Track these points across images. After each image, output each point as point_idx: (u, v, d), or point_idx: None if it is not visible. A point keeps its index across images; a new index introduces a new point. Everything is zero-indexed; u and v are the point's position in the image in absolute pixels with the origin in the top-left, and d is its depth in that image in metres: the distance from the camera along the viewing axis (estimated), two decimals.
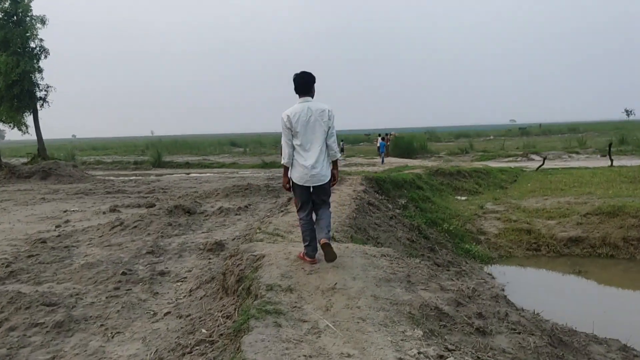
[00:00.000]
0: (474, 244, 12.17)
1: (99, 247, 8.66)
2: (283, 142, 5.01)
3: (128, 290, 6.37)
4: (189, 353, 3.93)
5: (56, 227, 11.05)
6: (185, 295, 6.15)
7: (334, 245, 5.18)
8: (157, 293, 6.27)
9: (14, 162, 28.78)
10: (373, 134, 44.80)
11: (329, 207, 5.24)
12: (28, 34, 26.17)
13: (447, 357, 3.30)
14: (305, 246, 4.99)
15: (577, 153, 36.54)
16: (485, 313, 4.29)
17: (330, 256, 4.80)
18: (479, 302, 4.51)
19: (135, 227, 9.65)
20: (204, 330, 4.31)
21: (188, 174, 31.09)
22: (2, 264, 7.61)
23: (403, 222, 11.59)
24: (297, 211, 5.22)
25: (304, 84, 4.96)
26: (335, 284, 4.30)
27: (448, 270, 10.03)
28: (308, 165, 4.88)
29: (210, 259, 7.70)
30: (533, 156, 35.53)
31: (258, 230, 6.86)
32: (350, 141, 66.93)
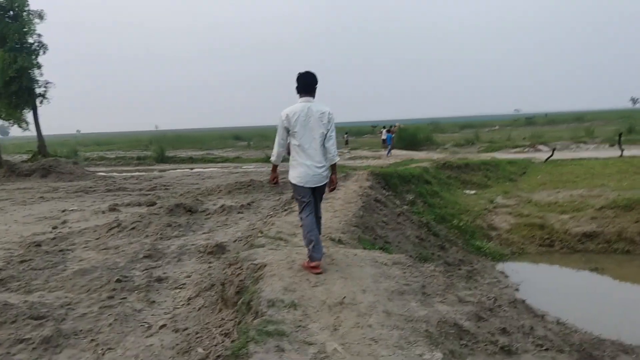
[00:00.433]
0: (485, 240, 11.77)
1: (95, 251, 8.29)
2: (276, 140, 4.98)
3: (123, 299, 5.99)
4: None
5: (53, 228, 10.69)
6: (183, 304, 5.78)
7: (341, 251, 4.83)
8: (154, 302, 5.90)
9: (15, 159, 28.50)
10: (379, 126, 44.27)
11: (321, 212, 5.21)
12: (25, 29, 25.72)
13: None
14: (309, 249, 4.80)
15: (585, 143, 35.91)
16: (509, 328, 3.90)
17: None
18: (501, 315, 4.11)
19: (133, 228, 9.28)
20: (200, 350, 3.94)
21: (191, 169, 30.71)
22: None
23: (411, 218, 11.19)
24: (300, 212, 5.08)
25: (307, 84, 4.95)
26: (344, 298, 3.91)
27: (459, 270, 9.65)
28: (311, 164, 4.85)
29: (210, 262, 7.31)
30: (540, 147, 34.93)
31: (259, 234, 6.47)
32: (355, 133, 66.40)
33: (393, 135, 35.31)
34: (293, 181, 4.96)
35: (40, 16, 26.20)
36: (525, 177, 18.95)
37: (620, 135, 26.04)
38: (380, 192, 12.08)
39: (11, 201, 15.22)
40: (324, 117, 4.86)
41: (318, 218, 5.09)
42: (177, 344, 4.41)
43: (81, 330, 5.05)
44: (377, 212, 10.36)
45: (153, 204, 13.23)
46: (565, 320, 5.46)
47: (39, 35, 27.04)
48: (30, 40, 26.56)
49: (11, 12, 25.89)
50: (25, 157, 30.68)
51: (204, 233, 9.31)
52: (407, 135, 39.60)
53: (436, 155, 27.99)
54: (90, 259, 7.73)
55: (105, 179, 21.20)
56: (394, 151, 33.53)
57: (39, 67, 26.88)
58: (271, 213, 10.41)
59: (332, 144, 4.93)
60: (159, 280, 6.60)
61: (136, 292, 6.21)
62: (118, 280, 6.47)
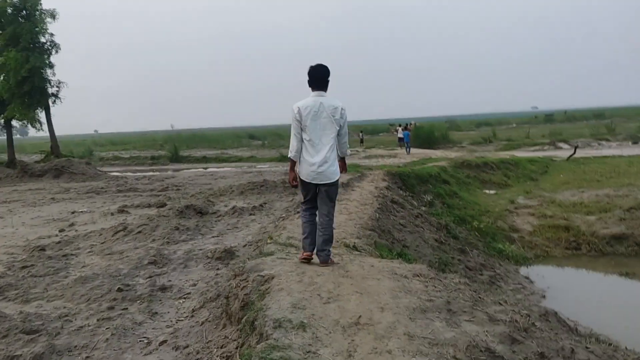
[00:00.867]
0: (507, 243, 11.26)
1: (99, 256, 7.95)
2: (292, 135, 4.89)
3: (123, 310, 5.61)
4: None
5: (60, 231, 10.39)
6: (187, 316, 5.38)
7: (356, 261, 4.41)
8: (156, 313, 5.51)
9: (28, 160, 28.49)
10: (395, 125, 43.67)
11: (333, 213, 5.02)
12: (37, 29, 25.57)
13: None
14: (302, 239, 4.96)
15: (607, 140, 35.08)
16: (547, 352, 3.42)
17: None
18: (537, 336, 3.64)
19: (139, 232, 8.92)
20: None
21: (205, 168, 30.48)
22: None
23: (430, 220, 10.72)
24: (301, 203, 5.14)
25: (319, 77, 4.83)
26: (359, 317, 3.47)
27: (481, 275, 9.16)
28: (315, 162, 4.76)
29: (218, 269, 6.92)
30: (561, 144, 34.20)
31: (269, 240, 6.04)
32: (370, 132, 65.83)
33: (407, 134, 34.79)
34: (300, 175, 4.88)
35: (53, 15, 26.05)
36: (547, 176, 18.36)
37: None
38: (397, 192, 11.63)
39: (22, 202, 15.01)
40: (336, 113, 4.74)
41: (325, 217, 4.90)
42: None
43: (75, 347, 4.67)
44: (393, 214, 9.91)
45: (163, 205, 12.90)
46: (603, 336, 4.96)
47: (52, 34, 26.95)
48: (43, 39, 26.46)
49: (24, 12, 25.79)
50: (38, 157, 30.62)
51: (213, 237, 8.92)
52: (423, 134, 38.98)
53: (453, 154, 27.40)
54: (93, 265, 7.38)
55: (117, 180, 20.98)
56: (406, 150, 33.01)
57: (51, 66, 26.75)
58: (283, 215, 10.00)
59: (344, 140, 4.88)
60: (163, 289, 6.21)
61: (138, 302, 5.83)
62: (119, 290, 6.09)
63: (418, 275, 4.21)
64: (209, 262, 7.26)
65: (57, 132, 28.35)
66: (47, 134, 28.56)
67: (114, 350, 4.60)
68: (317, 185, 4.86)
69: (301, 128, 4.77)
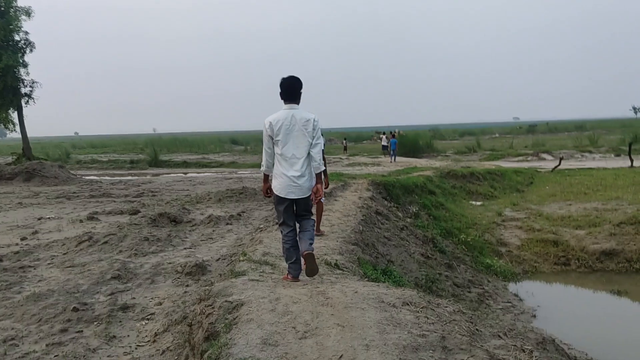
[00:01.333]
0: (495, 257, 10.84)
1: (59, 269, 7.31)
2: (263, 149, 4.78)
3: (78, 333, 5.03)
4: None
5: (21, 239, 9.71)
6: (148, 341, 4.82)
7: (337, 286, 3.89)
8: (114, 337, 4.93)
9: (0, 161, 27.49)
10: (381, 131, 43.25)
11: (311, 216, 4.91)
12: (12, 27, 24.66)
13: None
14: (288, 264, 4.77)
15: (590, 152, 35.09)
16: None
17: (311, 268, 4.53)
18: None
19: (105, 242, 8.29)
20: None
21: (185, 173, 29.78)
22: None
23: (415, 233, 10.25)
24: (279, 225, 4.90)
25: (291, 89, 4.70)
26: (341, 357, 2.95)
27: (469, 292, 8.71)
28: (291, 175, 4.60)
29: (187, 285, 6.35)
30: (544, 155, 34.12)
31: (242, 258, 5.49)
32: (353, 139, 65.56)
33: (395, 141, 34.58)
34: (275, 191, 4.73)
35: (28, 13, 25.20)
36: (533, 187, 18.06)
37: (630, 145, 25.15)
38: (382, 203, 11.14)
39: None
40: (308, 125, 4.61)
41: (305, 232, 4.76)
42: None
43: None
44: (378, 227, 9.42)
45: (136, 212, 12.25)
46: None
47: (26, 32, 26.07)
48: (17, 37, 25.53)
49: None
50: (10, 159, 29.61)
51: (185, 248, 8.32)
52: (408, 142, 38.69)
53: (438, 163, 27.09)
54: (50, 280, 6.75)
55: (91, 184, 20.20)
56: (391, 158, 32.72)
57: (25, 65, 25.85)
58: (261, 226, 9.46)
59: (317, 152, 4.65)
60: (125, 308, 5.62)
61: (95, 323, 5.24)
62: (75, 309, 5.48)
63: (408, 304, 3.70)
64: (178, 278, 6.68)
65: (38, 134, 27.58)
66: (32, 135, 27.51)
67: None
68: (292, 199, 4.71)
69: (273, 142, 4.66)
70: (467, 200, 15.21)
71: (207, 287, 4.48)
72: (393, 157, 30.74)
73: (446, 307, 3.90)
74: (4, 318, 5.48)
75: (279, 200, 4.73)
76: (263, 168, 4.80)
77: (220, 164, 35.10)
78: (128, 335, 5.00)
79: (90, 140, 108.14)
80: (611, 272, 10.38)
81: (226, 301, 3.78)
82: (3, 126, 26.91)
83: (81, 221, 11.63)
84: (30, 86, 26.32)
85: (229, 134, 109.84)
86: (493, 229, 12.17)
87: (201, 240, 8.99)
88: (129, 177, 26.68)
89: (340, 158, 35.63)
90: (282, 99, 4.73)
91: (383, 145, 36.92)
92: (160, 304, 5.82)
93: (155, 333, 4.95)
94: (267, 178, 4.85)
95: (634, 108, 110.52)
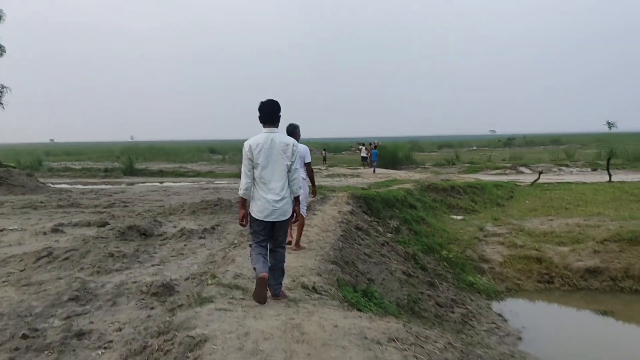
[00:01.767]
0: (477, 275, 10.51)
1: (14, 287, 6.73)
2: (242, 172, 4.82)
3: None
4: None
5: None
6: None
7: (315, 317, 3.46)
8: None
9: None
10: (366, 143, 42.90)
11: (284, 249, 4.90)
12: None
13: None
14: (255, 266, 4.64)
15: (567, 166, 35.28)
16: None
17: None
18: None
19: (66, 258, 7.72)
20: None
21: (161, 182, 29.09)
22: None
23: (396, 249, 9.87)
24: (251, 243, 4.85)
25: (270, 113, 4.78)
26: None
27: (452, 312, 8.33)
28: (271, 199, 4.66)
29: (152, 308, 5.83)
30: (522, 169, 34.20)
31: (211, 281, 5.02)
32: (332, 149, 65.34)
33: (376, 153, 34.44)
34: (252, 214, 4.75)
35: None
36: (513, 201, 17.86)
37: (609, 160, 25.24)
38: (362, 217, 10.76)
39: None
40: (287, 149, 4.70)
41: (278, 258, 4.79)
42: None
43: None
44: (358, 243, 9.02)
45: (104, 224, 11.65)
46: None
47: None
48: None
49: None
50: None
51: (153, 265, 7.79)
52: (387, 154, 38.45)
53: (417, 175, 26.87)
54: (2, 300, 6.17)
55: (60, 193, 19.41)
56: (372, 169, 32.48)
57: None
58: (235, 241, 8.99)
59: (295, 177, 4.77)
60: (80, 335, 5.10)
61: (45, 353, 4.71)
62: (24, 336, 4.95)
63: (394, 340, 3.28)
64: (142, 299, 6.16)
65: (12, 140, 26.73)
66: (8, 141, 26.53)
67: None
68: (271, 223, 4.72)
69: (253, 165, 4.70)
70: (447, 215, 14.92)
71: (168, 318, 3.98)
72: (374, 169, 30.52)
73: (436, 342, 3.50)
74: None
75: (257, 224, 4.72)
76: (241, 192, 4.78)
77: (198, 173, 34.42)
78: None
79: (66, 147, 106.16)
80: (596, 290, 10.13)
81: (188, 336, 3.34)
82: None
83: (45, 233, 10.98)
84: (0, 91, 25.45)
85: (208, 143, 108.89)
86: (475, 245, 11.86)
87: (171, 256, 8.47)
88: (102, 186, 25.89)
89: (320, 169, 35.24)
90: (261, 122, 4.79)
91: (362, 157, 36.70)
92: (120, 329, 5.30)
93: None
94: (244, 203, 4.83)
95: (609, 123, 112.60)
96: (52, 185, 23.65)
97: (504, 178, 27.42)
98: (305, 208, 7.79)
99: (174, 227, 11.34)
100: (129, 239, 9.92)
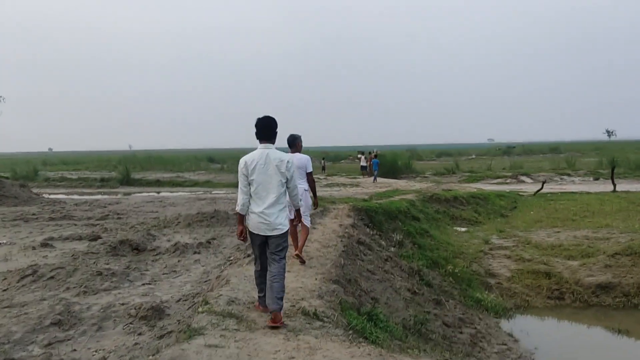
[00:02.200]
0: (485, 291, 10.06)
1: None
2: (239, 188, 4.89)
3: None
4: None
5: None
6: None
7: (318, 354, 3.04)
8: None
9: None
10: (366, 151, 42.26)
11: (284, 264, 4.86)
12: None
13: None
14: (259, 296, 4.97)
15: (569, 175, 34.89)
16: None
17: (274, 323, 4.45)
18: None
19: (51, 277, 7.29)
20: None
21: (158, 192, 28.64)
22: None
23: (400, 264, 9.44)
24: (254, 263, 5.09)
25: (266, 129, 4.87)
26: None
27: (461, 333, 7.89)
28: (261, 212, 4.74)
29: (140, 334, 5.41)
30: (523, 178, 33.82)
31: (202, 308, 4.59)
32: (331, 158, 64.96)
33: (370, 163, 34.17)
34: (249, 228, 4.84)
35: None
36: (517, 212, 17.45)
37: (613, 169, 24.87)
38: (364, 231, 10.33)
39: None
40: (282, 165, 4.77)
41: (273, 283, 4.67)
42: None
43: None
44: (360, 258, 8.60)
45: (96, 238, 11.24)
46: None
47: None
48: None
49: None
50: None
51: (144, 284, 7.37)
52: (386, 162, 38.03)
53: (417, 184, 26.48)
54: None
55: (53, 205, 18.95)
56: (372, 179, 32.10)
57: None
58: (231, 257, 8.56)
59: (294, 192, 4.93)
60: None
61: None
62: None
63: None
64: (130, 323, 5.74)
65: (10, 150, 26.22)
66: (3, 151, 26.15)
67: None
68: (265, 237, 4.77)
69: (248, 182, 4.77)
70: (451, 226, 14.49)
71: (151, 357, 3.54)
72: (375, 178, 30.07)
73: None
74: None
75: (252, 237, 4.85)
76: (238, 208, 4.82)
77: (195, 182, 33.96)
78: None
79: (63, 156, 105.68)
80: (608, 307, 9.68)
81: None
82: None
83: (34, 248, 10.56)
84: None
85: (207, 152, 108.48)
86: (481, 259, 11.44)
87: (163, 274, 8.04)
88: (98, 197, 25.43)
89: (319, 178, 34.81)
90: (257, 138, 4.87)
91: (362, 166, 36.31)
92: (106, 358, 4.88)
93: None
94: (242, 219, 4.87)
95: (608, 131, 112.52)
96: (46, 196, 23.21)
97: (506, 187, 27.03)
98: (309, 219, 7.58)
99: (168, 240, 10.94)
100: (120, 254, 9.53)
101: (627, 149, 65.18)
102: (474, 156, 75.83)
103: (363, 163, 36.18)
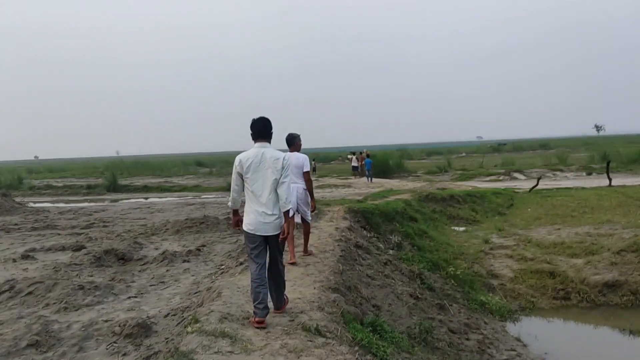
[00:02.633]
0: (488, 293, 9.66)
1: None
2: (231, 186, 4.89)
3: None
4: None
5: None
6: None
7: None
8: None
9: None
10: (357, 152, 41.58)
11: (282, 267, 4.93)
12: None
13: None
14: (254, 305, 4.61)
15: (561, 171, 34.70)
16: None
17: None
18: None
19: (30, 293, 6.78)
20: None
21: (146, 198, 28.04)
22: None
23: (400, 268, 9.02)
24: (249, 263, 4.89)
25: (261, 130, 4.85)
26: None
27: (467, 340, 7.48)
28: (261, 212, 4.69)
29: (125, 354, 4.94)
30: (516, 174, 33.57)
31: (191, 327, 4.12)
32: (322, 159, 64.58)
33: (362, 162, 33.87)
34: (245, 228, 4.78)
35: None
36: (514, 209, 17.11)
37: (608, 163, 24.64)
38: (361, 233, 9.90)
39: None
40: (277, 163, 4.72)
41: (276, 272, 4.87)
42: None
43: None
44: (359, 263, 8.17)
45: (80, 248, 10.70)
46: None
47: None
48: None
49: None
50: None
51: (130, 297, 6.88)
52: (377, 162, 37.68)
53: (411, 184, 26.11)
54: None
55: (36, 214, 18.33)
56: (363, 179, 31.77)
57: None
58: (223, 265, 8.10)
59: (284, 190, 4.73)
60: None
61: None
62: None
63: None
64: (114, 342, 5.26)
65: None
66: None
67: None
68: (263, 237, 4.73)
69: (243, 179, 4.76)
70: (448, 226, 14.10)
71: None
72: (370, 178, 29.67)
73: None
74: None
75: (250, 238, 4.74)
76: (230, 204, 4.91)
77: (184, 187, 33.36)
78: None
79: (49, 164, 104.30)
80: (616, 306, 9.31)
81: None
82: None
83: (14, 260, 10.01)
84: None
85: (195, 156, 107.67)
86: (482, 259, 11.05)
87: (150, 285, 7.56)
88: (84, 204, 24.78)
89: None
90: (252, 139, 4.84)
91: (353, 166, 35.95)
92: None
93: None
94: (236, 212, 4.95)
95: (597, 126, 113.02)
96: (30, 205, 22.55)
97: (500, 185, 26.74)
98: (309, 213, 7.43)
99: (156, 249, 10.46)
100: (105, 265, 9.05)
101: (615, 143, 65.38)
102: (464, 154, 75.75)
103: (354, 163, 35.82)
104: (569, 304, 9.54)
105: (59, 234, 13.38)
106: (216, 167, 56.81)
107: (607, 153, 37.93)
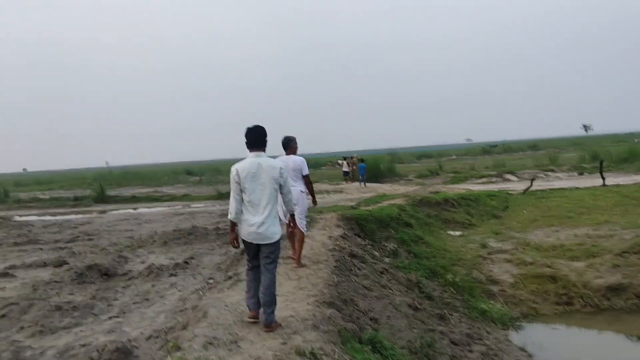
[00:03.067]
0: (489, 300, 9.30)
1: None
2: (231, 197, 4.86)
3: None
4: None
5: None
6: None
7: None
8: None
9: None
10: (347, 157, 41.19)
11: (274, 275, 4.88)
12: None
13: None
14: (247, 298, 4.92)
15: (553, 171, 34.51)
16: None
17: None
18: None
19: (3, 315, 6.34)
20: None
21: (134, 209, 27.49)
22: None
23: (397, 277, 8.64)
24: (247, 261, 5.07)
25: (256, 138, 4.87)
26: None
27: (470, 351, 7.09)
28: (254, 222, 4.74)
29: None
30: (508, 176, 33.34)
31: (171, 357, 3.71)
32: (312, 165, 64.22)
33: (353, 168, 33.62)
34: (241, 236, 4.85)
35: None
36: (510, 212, 16.78)
37: (601, 162, 24.46)
38: (355, 241, 9.52)
39: None
40: (275, 172, 4.78)
41: (266, 278, 4.81)
42: None
43: None
44: (354, 273, 7.78)
45: (61, 264, 10.24)
46: None
47: None
48: None
49: None
50: None
51: (111, 317, 6.45)
52: (368, 167, 37.37)
53: (402, 188, 25.78)
54: None
55: (20, 228, 17.78)
56: (355, 183, 31.48)
57: None
58: (211, 279, 7.69)
59: (289, 198, 4.98)
60: None
61: None
62: None
63: None
64: None
65: None
66: None
67: None
68: (258, 245, 4.79)
69: (241, 189, 4.76)
70: (444, 231, 13.74)
71: None
72: (363, 183, 29.74)
73: None
74: None
75: (246, 245, 4.86)
76: (231, 216, 4.82)
77: (173, 197, 32.80)
78: None
79: (37, 176, 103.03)
80: (621, 310, 8.99)
81: None
82: None
83: None
84: None
85: (184, 165, 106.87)
86: (480, 265, 10.69)
87: (134, 303, 7.12)
88: (71, 217, 24.20)
89: None
90: (247, 148, 4.84)
91: (344, 172, 35.62)
92: None
93: None
94: (234, 227, 4.86)
95: (585, 126, 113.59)
96: (14, 220, 21.96)
97: (493, 187, 26.44)
98: (305, 223, 7.48)
99: (142, 262, 10.03)
100: (87, 282, 8.61)
101: (603, 143, 65.60)
102: (454, 157, 75.62)
103: (345, 169, 35.49)
104: (572, 309, 9.19)
105: (42, 249, 12.88)
106: (205, 175, 56.25)
107: (598, 152, 37.87)
